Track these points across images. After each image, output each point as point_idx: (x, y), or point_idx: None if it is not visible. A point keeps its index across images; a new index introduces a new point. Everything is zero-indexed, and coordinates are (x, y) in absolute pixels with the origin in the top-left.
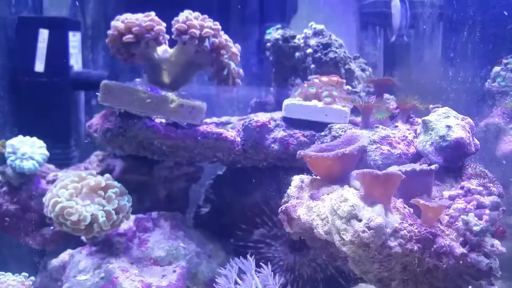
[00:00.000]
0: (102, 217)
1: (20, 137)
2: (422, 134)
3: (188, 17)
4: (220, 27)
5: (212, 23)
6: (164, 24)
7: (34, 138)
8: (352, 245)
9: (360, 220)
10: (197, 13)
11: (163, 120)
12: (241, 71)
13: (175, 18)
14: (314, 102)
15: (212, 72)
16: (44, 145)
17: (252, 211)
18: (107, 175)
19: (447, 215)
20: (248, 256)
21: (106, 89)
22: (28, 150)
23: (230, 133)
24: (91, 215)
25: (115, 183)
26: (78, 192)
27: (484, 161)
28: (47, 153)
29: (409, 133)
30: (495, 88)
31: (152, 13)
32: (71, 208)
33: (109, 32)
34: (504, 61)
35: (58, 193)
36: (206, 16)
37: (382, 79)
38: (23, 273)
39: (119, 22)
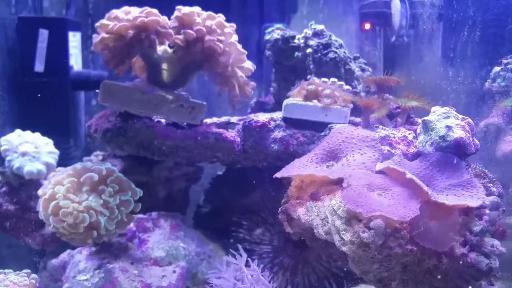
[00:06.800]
0: (104, 216)
1: (19, 131)
2: (422, 134)
3: (194, 24)
4: (227, 38)
5: (218, 29)
6: (165, 18)
7: (37, 134)
8: (352, 245)
9: (360, 220)
10: (198, 9)
11: (163, 120)
12: (251, 85)
13: (175, 17)
14: (314, 102)
15: (219, 86)
16: (50, 141)
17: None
18: (107, 164)
19: None
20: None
21: (106, 89)
22: (30, 148)
23: (230, 133)
24: (90, 215)
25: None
26: (76, 188)
27: (484, 161)
28: (57, 151)
29: (409, 133)
30: (495, 88)
31: (154, 10)
32: (67, 208)
33: (94, 37)
34: (504, 61)
35: (54, 189)
36: (216, 22)
37: (381, 78)
38: (25, 270)
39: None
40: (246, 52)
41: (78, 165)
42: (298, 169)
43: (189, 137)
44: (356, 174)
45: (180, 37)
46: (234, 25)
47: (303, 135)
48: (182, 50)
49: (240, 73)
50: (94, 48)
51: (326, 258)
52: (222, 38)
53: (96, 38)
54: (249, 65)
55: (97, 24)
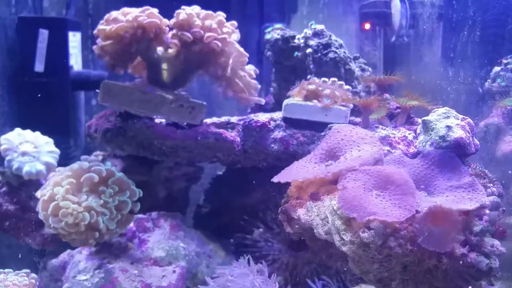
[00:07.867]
0: (104, 216)
1: (18, 130)
2: (422, 134)
3: (193, 24)
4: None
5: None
6: (166, 21)
7: (37, 133)
8: (352, 245)
9: None
10: (197, 10)
11: (163, 120)
12: (253, 82)
13: (174, 21)
14: (314, 102)
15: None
16: (50, 140)
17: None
18: (108, 165)
19: None
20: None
21: (106, 89)
22: (30, 148)
23: (230, 133)
24: (90, 216)
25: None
26: (75, 189)
27: (484, 161)
28: (57, 150)
29: (409, 133)
30: (495, 88)
31: (155, 10)
32: (67, 208)
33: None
34: (504, 61)
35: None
36: (218, 23)
37: (380, 78)
38: (24, 270)
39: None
40: (247, 55)
41: (77, 165)
42: (297, 172)
43: (189, 137)
44: (352, 174)
45: (176, 41)
46: (235, 23)
47: (303, 135)
48: (182, 51)
49: (242, 73)
50: (97, 56)
51: (326, 258)
52: (221, 37)
53: (96, 48)
54: (251, 68)
55: (95, 31)
